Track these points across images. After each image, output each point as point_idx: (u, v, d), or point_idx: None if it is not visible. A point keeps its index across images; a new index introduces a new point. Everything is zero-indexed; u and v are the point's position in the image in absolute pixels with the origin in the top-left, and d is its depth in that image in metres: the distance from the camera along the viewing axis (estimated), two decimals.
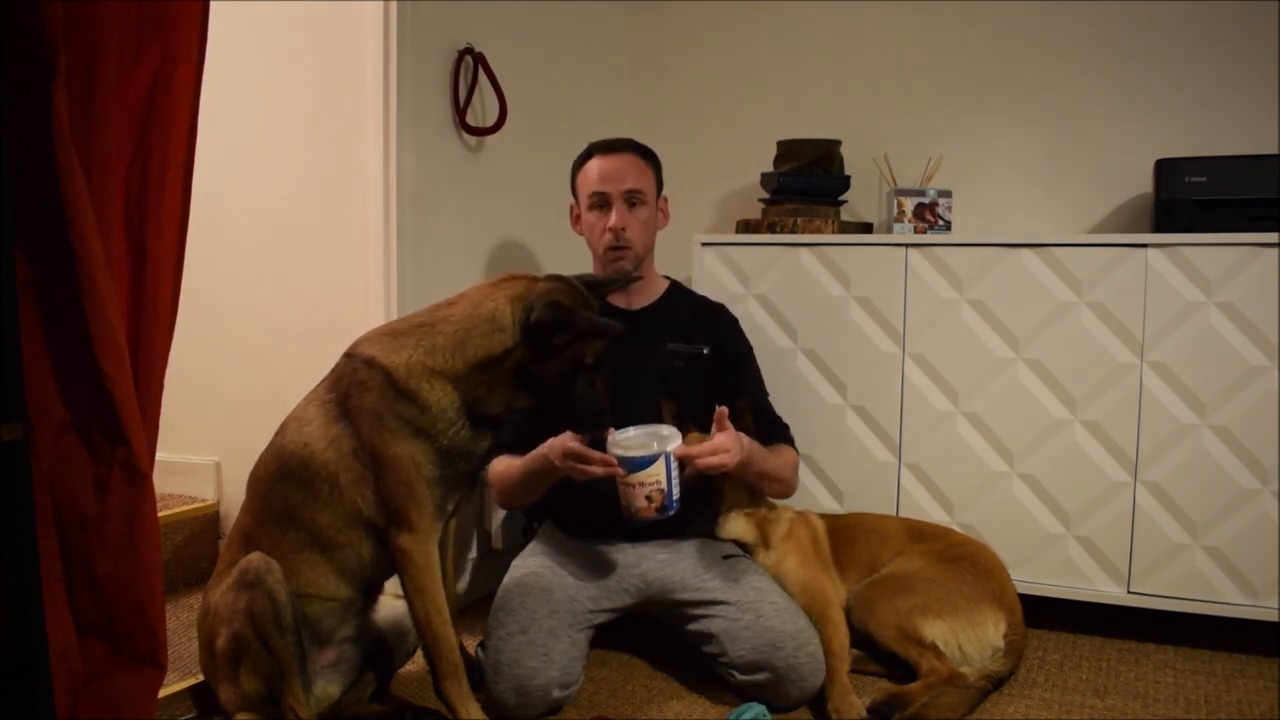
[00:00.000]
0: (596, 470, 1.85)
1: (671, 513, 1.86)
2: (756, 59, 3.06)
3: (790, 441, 2.29)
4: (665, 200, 2.34)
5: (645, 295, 2.32)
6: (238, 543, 1.79)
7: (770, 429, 2.23)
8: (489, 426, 1.76)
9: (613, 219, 2.20)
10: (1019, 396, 2.35)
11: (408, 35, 2.30)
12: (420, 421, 1.68)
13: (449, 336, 1.69)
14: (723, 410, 1.98)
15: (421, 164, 2.38)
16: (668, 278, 2.39)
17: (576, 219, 2.32)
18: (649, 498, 1.83)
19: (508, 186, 2.70)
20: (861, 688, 2.01)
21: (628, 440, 1.86)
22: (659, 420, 2.11)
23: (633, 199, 2.22)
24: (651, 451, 1.83)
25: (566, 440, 1.89)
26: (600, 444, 1.88)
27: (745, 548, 2.19)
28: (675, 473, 1.85)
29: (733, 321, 2.39)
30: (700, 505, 2.11)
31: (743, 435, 2.00)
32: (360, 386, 1.71)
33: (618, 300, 2.29)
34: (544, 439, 2.01)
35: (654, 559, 2.14)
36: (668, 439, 1.86)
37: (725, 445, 1.94)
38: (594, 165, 2.24)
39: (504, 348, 1.69)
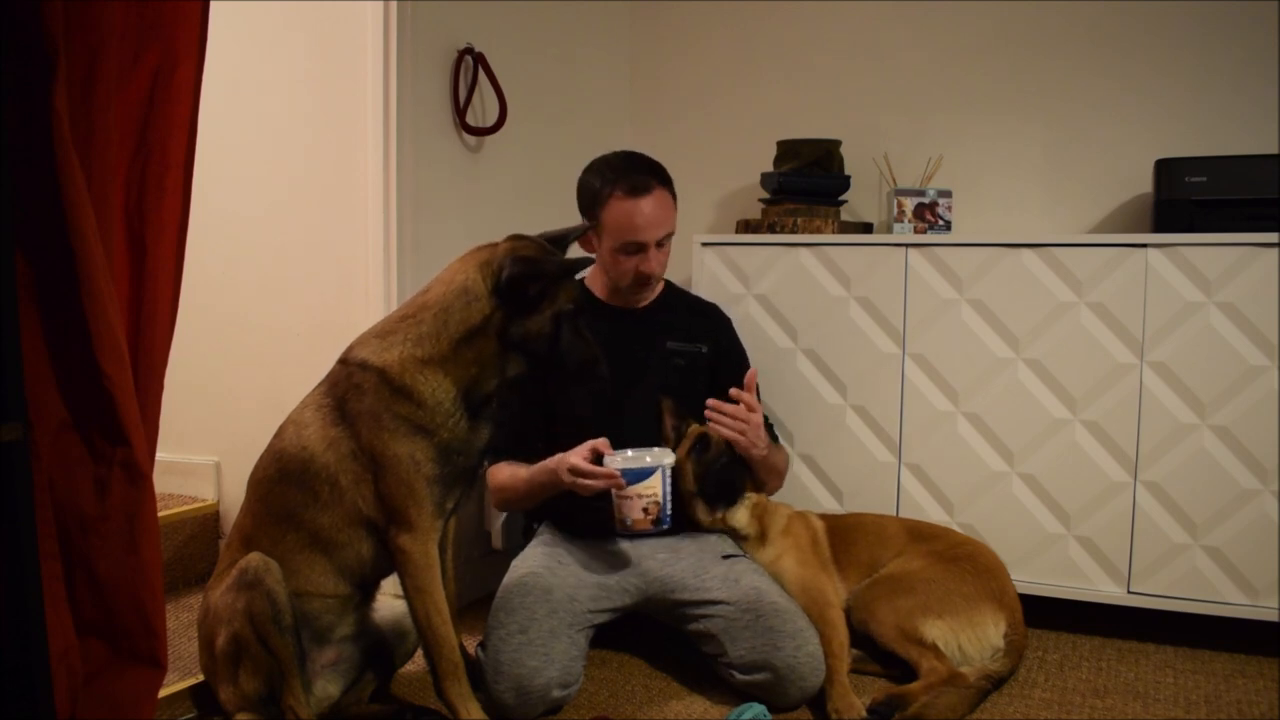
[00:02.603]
0: (599, 484, 1.95)
1: (665, 526, 1.99)
2: (756, 59, 3.05)
3: (777, 440, 2.34)
4: None
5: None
6: (237, 543, 1.79)
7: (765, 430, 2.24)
8: (487, 415, 1.78)
9: (651, 265, 2.18)
10: (1019, 396, 2.35)
11: (408, 35, 2.30)
12: (418, 417, 1.69)
13: (430, 322, 1.71)
14: (753, 372, 2.14)
15: (421, 164, 2.37)
16: (664, 278, 2.39)
17: (588, 241, 2.20)
18: (646, 510, 1.95)
19: (508, 186, 2.70)
20: (861, 688, 2.01)
21: (626, 456, 1.98)
22: (659, 418, 2.22)
23: (663, 242, 2.20)
24: (649, 465, 1.95)
25: (571, 457, 1.98)
26: (604, 459, 1.99)
27: (740, 540, 2.20)
28: (670, 488, 1.98)
29: (728, 322, 2.40)
30: (727, 490, 2.19)
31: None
32: (356, 390, 1.72)
33: (617, 300, 2.29)
34: (544, 427, 2.07)
35: (654, 559, 2.14)
36: (662, 456, 1.99)
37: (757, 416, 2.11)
38: (627, 210, 2.11)
39: (483, 315, 1.70)
